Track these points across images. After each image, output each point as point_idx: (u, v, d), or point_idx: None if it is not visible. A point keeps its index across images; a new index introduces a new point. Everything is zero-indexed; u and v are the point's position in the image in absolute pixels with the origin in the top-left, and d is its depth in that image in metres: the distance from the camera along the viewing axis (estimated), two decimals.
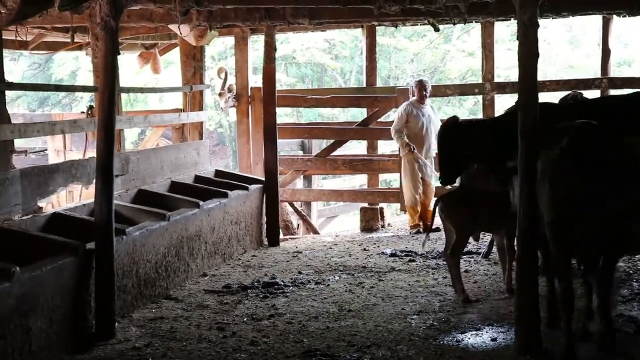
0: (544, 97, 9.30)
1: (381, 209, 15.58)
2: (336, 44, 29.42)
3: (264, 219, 13.64)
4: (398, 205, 15.42)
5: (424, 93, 14.27)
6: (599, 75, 15.92)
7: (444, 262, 10.87)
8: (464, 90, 16.95)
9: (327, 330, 8.67)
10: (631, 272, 10.63)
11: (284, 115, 24.71)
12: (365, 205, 15.78)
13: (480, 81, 15.97)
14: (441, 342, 8.23)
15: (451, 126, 10.12)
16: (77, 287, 8.28)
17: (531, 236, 7.88)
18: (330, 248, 13.01)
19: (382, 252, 12.44)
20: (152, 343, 8.43)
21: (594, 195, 7.18)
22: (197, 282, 10.75)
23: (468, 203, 9.54)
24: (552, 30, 23.29)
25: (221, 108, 15.76)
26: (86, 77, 21.56)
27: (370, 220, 15.10)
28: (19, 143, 13.64)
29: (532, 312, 7.92)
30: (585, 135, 7.50)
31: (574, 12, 11.39)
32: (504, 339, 8.22)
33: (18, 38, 13.87)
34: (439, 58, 29.46)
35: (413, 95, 14.48)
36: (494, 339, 8.28)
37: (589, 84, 16.17)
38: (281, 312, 9.43)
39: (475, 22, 14.47)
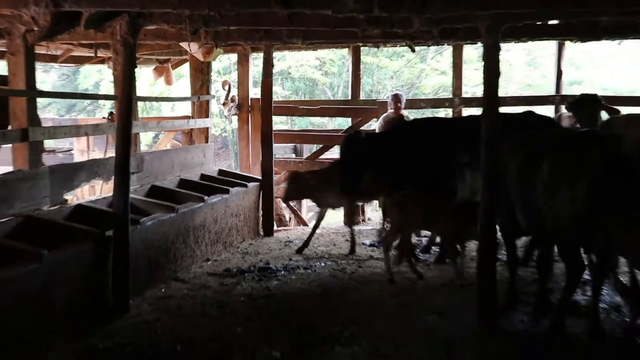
0: (505, 111, 9.28)
1: (362, 205, 15.56)
2: (326, 62, 29.36)
3: (261, 212, 13.65)
4: (376, 202, 15.42)
5: (399, 105, 14.27)
6: (553, 93, 15.96)
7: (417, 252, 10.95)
8: (436, 104, 16.98)
9: (312, 309, 8.71)
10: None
11: (280, 122, 24.61)
12: None
13: (450, 96, 16.00)
14: (411, 320, 8.28)
15: (355, 137, 10.36)
16: (96, 268, 8.32)
17: (491, 230, 7.94)
18: (317, 239, 13.00)
19: (362, 243, 12.46)
20: (161, 318, 8.46)
21: None
22: (201, 266, 10.79)
23: (404, 203, 9.58)
24: (513, 53, 23.26)
25: (225, 116, 15.74)
26: (108, 87, 21.50)
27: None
28: (48, 144, 13.64)
29: (491, 296, 7.98)
30: None
31: (532, 38, 11.40)
32: (467, 319, 8.27)
33: (49, 52, 13.85)
34: (415, 75, 29.43)
35: (391, 108, 14.52)
36: (459, 320, 8.34)
37: (544, 100, 16.24)
38: (273, 293, 9.47)
39: (447, 45, 14.50)
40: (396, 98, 14.49)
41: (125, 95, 8.93)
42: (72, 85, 26.48)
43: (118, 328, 8.13)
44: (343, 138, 11.53)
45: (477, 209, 8.04)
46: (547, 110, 16.27)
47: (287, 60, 27.23)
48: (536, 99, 16.66)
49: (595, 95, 11.12)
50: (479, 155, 8.14)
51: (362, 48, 15.73)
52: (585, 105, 11.00)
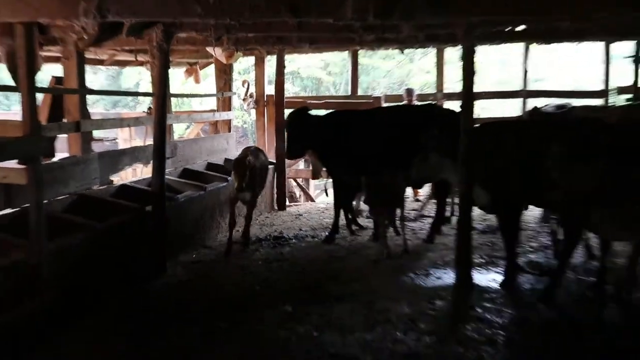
0: (479, 104, 9.27)
1: None
2: (329, 63, 29.28)
3: (275, 190, 13.69)
4: None
5: (411, 98, 14.33)
6: (521, 88, 15.92)
7: (406, 223, 10.96)
8: (422, 98, 16.86)
9: (319, 271, 8.76)
10: (539, 230, 10.69)
11: None
12: None
13: (434, 91, 16.00)
14: (401, 279, 8.34)
15: (299, 113, 10.74)
16: (138, 237, 8.40)
17: (468, 206, 7.97)
18: (323, 212, 13.05)
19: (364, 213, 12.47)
20: (193, 279, 8.56)
21: None
22: (225, 235, 10.80)
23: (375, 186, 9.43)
24: (485, 53, 23.17)
25: (244, 109, 15.79)
26: (146, 86, 21.48)
27: None
28: (97, 134, 13.67)
29: (466, 259, 8.03)
30: None
31: (502, 41, 11.41)
32: (446, 277, 8.34)
33: (96, 57, 13.89)
34: (405, 74, 29.35)
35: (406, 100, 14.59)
36: (439, 278, 8.41)
37: (512, 95, 16.20)
38: (286, 258, 9.53)
39: (431, 47, 14.49)
40: (408, 92, 14.64)
41: (161, 93, 8.98)
42: (116, 85, 26.52)
43: (156, 287, 8.23)
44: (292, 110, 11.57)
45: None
46: (516, 103, 16.31)
47: (296, 62, 27.18)
48: (506, 94, 16.65)
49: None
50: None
51: (359, 51, 15.69)
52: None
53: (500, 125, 9.29)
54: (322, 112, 11.89)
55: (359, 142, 10.32)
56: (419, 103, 13.90)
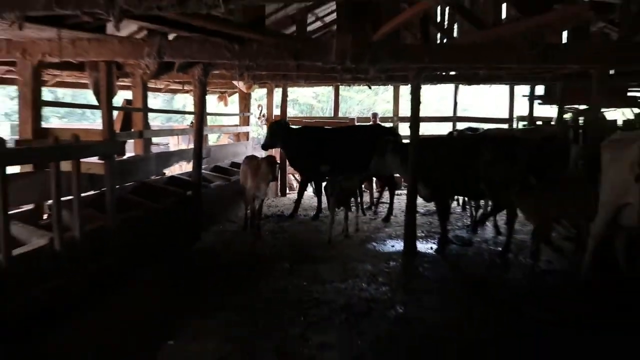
0: (423, 125, 9.24)
1: None
2: (319, 94, 29.34)
3: (279, 181, 13.61)
4: None
5: (375, 120, 14.45)
6: (452, 115, 15.89)
7: (375, 208, 10.89)
8: (384, 120, 16.80)
9: (309, 240, 8.73)
10: (462, 214, 10.71)
11: None
12: None
13: (392, 116, 15.97)
14: (366, 246, 8.31)
15: (279, 122, 11.11)
16: (181, 214, 8.32)
17: (413, 196, 7.97)
18: (312, 198, 12.85)
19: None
20: (220, 244, 8.50)
21: None
22: (243, 213, 10.75)
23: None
24: (428, 90, 23.11)
25: (259, 125, 15.72)
26: (190, 107, 21.38)
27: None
28: (154, 140, 13.61)
29: (412, 233, 8.02)
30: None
31: (440, 82, 11.44)
32: (398, 246, 8.32)
33: (156, 86, 13.84)
34: (372, 103, 29.33)
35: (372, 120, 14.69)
36: (393, 246, 8.39)
37: (446, 119, 16.18)
38: (286, 230, 9.47)
39: (390, 85, 14.44)
40: (373, 115, 14.77)
41: (200, 112, 8.91)
42: (170, 106, 26.39)
43: (194, 249, 8.16)
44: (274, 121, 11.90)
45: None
46: (448, 126, 16.28)
47: (295, 92, 27.18)
48: (442, 119, 16.62)
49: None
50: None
51: (340, 86, 15.64)
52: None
53: (435, 139, 9.54)
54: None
55: (319, 150, 10.46)
56: (368, 124, 13.79)
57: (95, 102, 8.90)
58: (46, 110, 8.16)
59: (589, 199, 6.25)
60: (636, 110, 13.08)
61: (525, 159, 7.49)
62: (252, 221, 9.25)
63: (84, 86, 11.86)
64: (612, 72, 9.48)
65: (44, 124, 7.69)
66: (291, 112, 26.14)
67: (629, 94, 12.59)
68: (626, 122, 11.45)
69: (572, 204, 6.66)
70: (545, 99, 12.87)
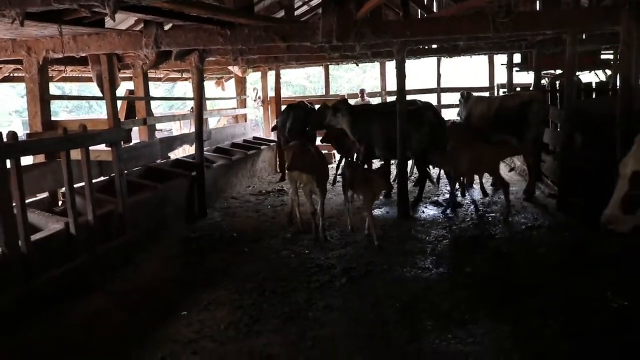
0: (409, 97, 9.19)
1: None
2: (310, 74, 29.26)
3: (277, 159, 13.56)
4: None
5: (363, 95, 14.50)
6: (435, 86, 15.81)
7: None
8: (373, 95, 16.70)
9: (306, 212, 8.71)
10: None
11: None
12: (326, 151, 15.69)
13: (380, 90, 15.90)
14: (362, 213, 8.28)
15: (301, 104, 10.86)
16: (187, 193, 8.34)
17: (404, 164, 7.95)
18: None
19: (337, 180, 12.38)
20: (225, 219, 8.50)
21: None
22: (245, 190, 10.75)
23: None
24: (411, 63, 22.96)
25: (255, 107, 15.63)
26: (190, 95, 21.30)
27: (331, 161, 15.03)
28: (158, 126, 13.56)
29: (405, 198, 8.02)
30: None
31: (423, 55, 11.36)
32: (393, 212, 8.31)
33: (156, 76, 13.74)
34: (361, 80, 29.20)
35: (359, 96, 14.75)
36: (387, 212, 8.38)
37: (430, 91, 16.12)
38: (285, 203, 9.39)
39: (377, 61, 14.33)
40: (361, 91, 14.88)
41: (198, 98, 8.86)
42: (170, 94, 26.30)
43: (200, 225, 8.15)
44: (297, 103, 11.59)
45: None
46: (432, 98, 16.20)
47: (288, 74, 27.03)
48: (426, 90, 16.53)
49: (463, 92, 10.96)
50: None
51: (329, 65, 15.54)
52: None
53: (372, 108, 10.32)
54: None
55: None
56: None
57: (100, 94, 8.84)
58: (55, 105, 8.12)
59: (490, 160, 7.86)
60: (608, 72, 13.04)
61: (432, 128, 8.40)
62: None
63: (88, 80, 11.76)
64: (584, 37, 9.41)
65: (53, 118, 7.64)
66: (285, 93, 26.00)
67: (601, 57, 12.54)
68: (599, 84, 11.39)
69: (478, 163, 7.95)
70: (523, 67, 12.79)
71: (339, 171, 10.41)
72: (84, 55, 7.66)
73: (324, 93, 16.22)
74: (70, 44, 6.97)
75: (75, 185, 5.62)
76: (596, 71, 13.71)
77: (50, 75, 10.08)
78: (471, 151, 7.93)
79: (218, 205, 9.36)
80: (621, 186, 3.74)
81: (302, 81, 30.63)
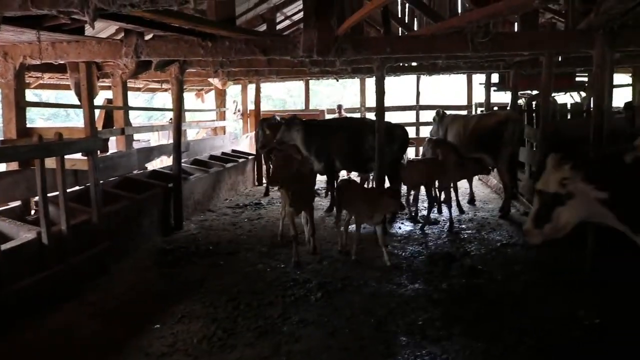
0: (387, 115, 9.31)
1: None
2: (291, 89, 29.36)
3: (255, 172, 13.52)
4: None
5: (341, 111, 14.60)
6: (414, 103, 15.96)
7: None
8: (352, 111, 16.82)
9: (286, 225, 8.56)
10: None
11: None
12: None
13: (359, 106, 16.00)
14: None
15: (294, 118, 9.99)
16: (163, 204, 8.25)
17: (382, 176, 7.97)
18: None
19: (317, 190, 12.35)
20: (201, 232, 8.41)
21: None
22: (222, 202, 10.69)
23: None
24: (391, 80, 23.15)
25: (235, 120, 15.60)
26: (169, 106, 21.27)
27: None
28: (136, 137, 13.45)
29: None
30: None
31: (403, 73, 11.46)
32: (369, 227, 8.25)
33: (135, 85, 13.65)
34: (341, 96, 29.34)
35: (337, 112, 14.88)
36: (364, 227, 8.33)
37: (409, 109, 16.27)
38: (262, 217, 9.40)
39: (357, 77, 14.44)
40: (338, 107, 15.04)
41: (178, 109, 8.84)
42: (150, 105, 26.14)
43: (177, 237, 8.08)
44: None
45: None
46: (411, 115, 16.35)
47: (269, 88, 27.08)
48: (405, 108, 16.68)
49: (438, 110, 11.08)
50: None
51: (310, 80, 15.61)
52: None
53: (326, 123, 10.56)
54: None
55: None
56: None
57: (78, 103, 8.75)
58: (31, 113, 8.02)
59: (440, 173, 8.31)
60: (583, 94, 13.29)
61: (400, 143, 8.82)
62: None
63: (66, 87, 11.65)
64: (560, 59, 9.59)
65: (28, 125, 7.54)
66: (265, 106, 26.13)
67: (576, 79, 12.79)
68: (574, 105, 11.61)
69: (431, 175, 8.44)
70: (500, 86, 13.00)
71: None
72: (62, 62, 7.59)
73: (304, 107, 16.30)
74: (49, 50, 6.88)
75: (49, 195, 5.54)
76: (571, 93, 13.99)
77: (27, 81, 9.99)
78: (417, 165, 8.74)
79: (195, 218, 9.28)
80: (535, 203, 4.09)
81: (283, 95, 30.76)
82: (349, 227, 7.18)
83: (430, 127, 11.74)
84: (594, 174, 3.75)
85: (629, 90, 13.17)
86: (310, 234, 7.07)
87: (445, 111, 11.02)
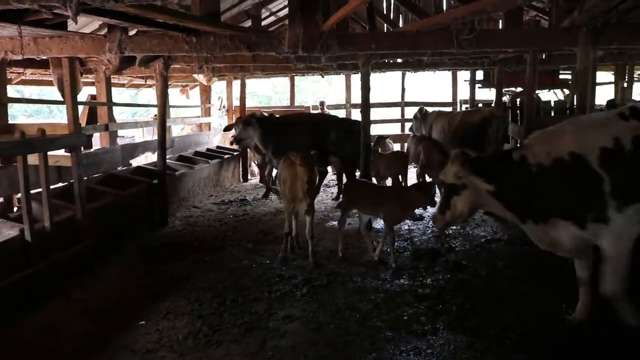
0: (373, 111, 9.35)
1: None
2: (276, 85, 29.30)
3: (240, 168, 13.48)
4: None
5: (322, 107, 14.61)
6: (399, 100, 16.02)
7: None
8: (338, 107, 16.84)
9: (271, 221, 8.68)
10: None
11: None
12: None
13: (345, 102, 16.01)
14: (324, 225, 8.30)
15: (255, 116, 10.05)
16: (148, 201, 8.22)
17: (366, 172, 7.98)
18: (274, 184, 12.95)
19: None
20: (186, 228, 8.39)
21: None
22: (208, 199, 10.66)
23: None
24: (376, 77, 23.15)
25: (219, 116, 15.53)
26: (154, 101, 21.11)
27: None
28: (120, 133, 13.36)
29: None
30: None
31: (388, 69, 11.47)
32: (354, 223, 8.28)
33: (119, 82, 13.54)
34: (326, 92, 29.39)
35: (320, 109, 14.92)
36: (349, 224, 8.35)
37: (394, 105, 16.31)
38: (248, 213, 9.39)
39: (343, 74, 14.45)
40: (321, 103, 15.13)
41: (162, 105, 8.79)
42: (134, 101, 25.93)
43: (162, 233, 8.05)
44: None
45: None
46: (396, 111, 16.41)
47: (254, 84, 27.02)
48: (390, 104, 16.72)
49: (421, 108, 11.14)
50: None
51: (295, 77, 15.57)
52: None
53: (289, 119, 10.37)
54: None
55: None
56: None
57: (61, 99, 8.67)
58: (13, 109, 7.93)
59: (399, 166, 9.03)
60: (567, 91, 13.40)
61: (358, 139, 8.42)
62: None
63: (49, 83, 11.52)
64: (544, 56, 9.66)
65: (10, 121, 7.46)
66: (250, 102, 26.08)
67: (560, 76, 12.89)
68: (557, 102, 11.70)
69: (389, 168, 9.09)
70: (485, 83, 13.07)
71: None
72: (44, 57, 7.51)
73: (290, 104, 16.27)
74: (31, 45, 6.78)
75: (32, 191, 5.48)
76: (555, 90, 14.10)
77: (9, 77, 9.87)
78: (385, 157, 9.35)
79: (180, 214, 9.25)
80: (441, 192, 4.74)
81: (268, 91, 30.69)
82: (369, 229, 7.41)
83: None
84: (482, 169, 4.24)
85: (611, 88, 13.30)
86: (309, 235, 6.50)
87: (428, 108, 11.08)
